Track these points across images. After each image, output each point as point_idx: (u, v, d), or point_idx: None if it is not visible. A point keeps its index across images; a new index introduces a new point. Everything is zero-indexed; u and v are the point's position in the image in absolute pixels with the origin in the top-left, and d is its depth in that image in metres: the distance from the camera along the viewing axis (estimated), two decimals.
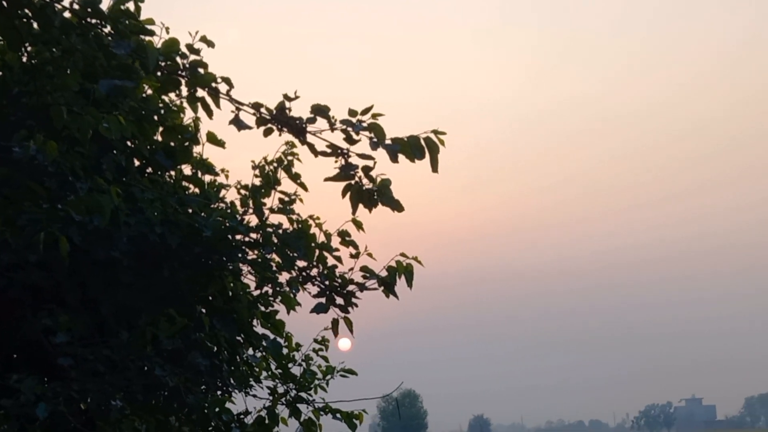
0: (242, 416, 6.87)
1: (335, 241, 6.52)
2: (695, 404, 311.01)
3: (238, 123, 4.89)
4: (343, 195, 5.04)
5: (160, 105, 6.53)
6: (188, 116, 6.73)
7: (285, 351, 7.11)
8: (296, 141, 5.02)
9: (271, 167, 6.67)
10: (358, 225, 6.46)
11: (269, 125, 4.92)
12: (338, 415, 7.04)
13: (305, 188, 6.67)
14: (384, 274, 6.42)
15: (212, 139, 6.71)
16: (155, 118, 6.44)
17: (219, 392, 6.83)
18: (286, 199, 6.63)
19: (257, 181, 6.70)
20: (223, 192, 6.85)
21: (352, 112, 4.92)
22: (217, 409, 6.36)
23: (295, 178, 6.66)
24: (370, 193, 4.99)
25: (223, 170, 6.94)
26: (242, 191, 6.74)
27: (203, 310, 6.48)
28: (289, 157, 6.66)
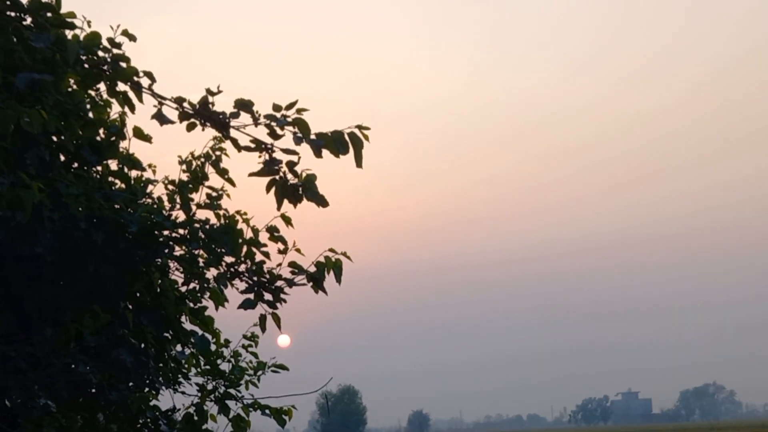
0: (170, 413, 6.83)
1: (263, 237, 6.50)
2: (631, 398, 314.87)
3: (160, 118, 4.86)
4: (268, 190, 5.03)
5: (87, 99, 6.45)
6: (115, 111, 6.66)
7: (213, 347, 7.07)
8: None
9: (199, 162, 6.63)
10: (287, 220, 6.44)
11: (192, 120, 4.89)
12: (267, 411, 7.02)
13: (233, 183, 6.64)
14: (313, 269, 6.42)
15: (139, 134, 6.64)
16: (81, 113, 6.37)
17: (146, 389, 6.77)
18: (214, 194, 6.58)
19: (185, 177, 6.65)
20: (150, 187, 6.78)
21: (277, 107, 4.92)
22: (141, 407, 6.31)
23: (222, 173, 6.62)
24: (294, 189, 4.98)
25: (150, 166, 6.88)
26: (170, 187, 6.69)
27: (129, 306, 6.43)
28: (217, 153, 6.62)
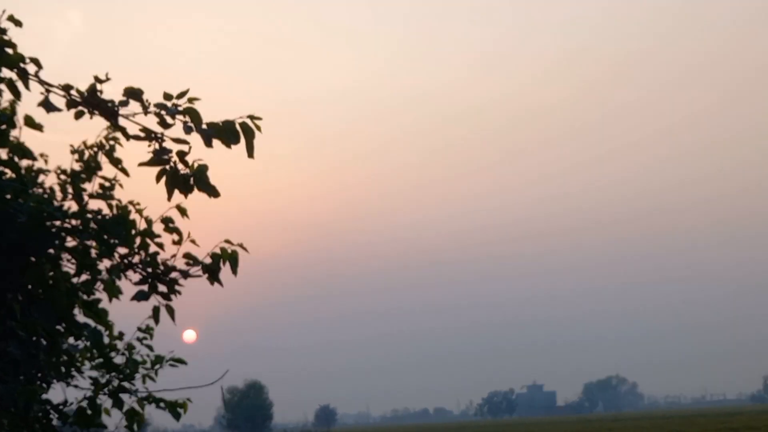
0: (62, 407, 6.72)
1: (158, 228, 6.43)
2: (536, 390, 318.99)
3: (47, 105, 4.77)
4: (158, 180, 4.98)
5: None
6: (6, 99, 6.52)
7: (107, 340, 6.97)
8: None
9: (92, 152, 6.53)
10: (182, 211, 6.38)
11: (80, 108, 4.81)
12: (162, 405, 6.95)
13: (126, 173, 6.55)
14: (208, 261, 6.37)
15: (30, 122, 6.51)
16: None
17: (38, 382, 6.65)
18: (107, 184, 6.49)
19: (77, 166, 6.54)
20: (41, 177, 6.65)
21: (167, 96, 4.86)
22: (30, 400, 6.19)
23: (116, 163, 6.52)
24: (185, 178, 4.93)
25: (42, 155, 6.75)
26: (62, 177, 6.57)
27: (19, 298, 6.30)
28: (111, 142, 6.52)
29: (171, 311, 6.46)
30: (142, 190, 6.59)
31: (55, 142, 7.03)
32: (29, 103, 5.63)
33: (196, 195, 5.75)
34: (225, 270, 6.43)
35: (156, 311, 6.47)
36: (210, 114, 5.28)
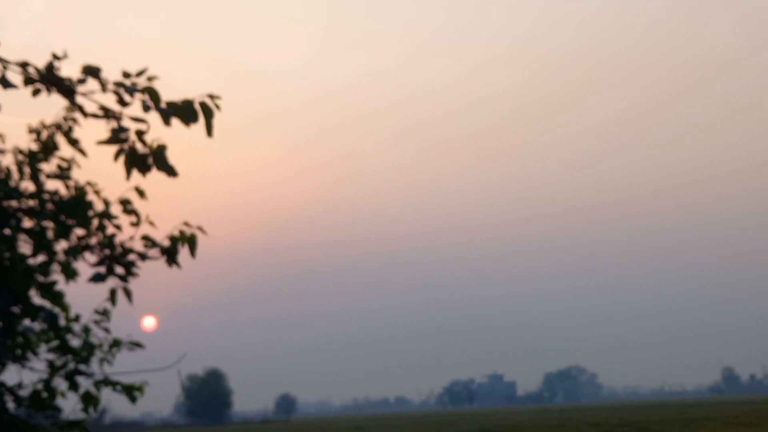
0: (16, 389, 6.65)
1: (116, 209, 6.38)
2: (497, 380, 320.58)
3: (3, 82, 4.71)
4: (115, 159, 4.93)
5: None
6: None
7: (63, 322, 6.90)
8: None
9: (49, 131, 6.46)
10: (141, 193, 6.33)
11: (37, 85, 4.75)
12: (118, 388, 6.90)
13: (84, 154, 6.48)
14: (166, 243, 6.33)
15: None
16: None
17: None
18: (65, 165, 6.43)
19: (35, 146, 6.47)
20: None
21: (126, 74, 4.80)
22: None
23: (73, 143, 6.46)
24: (143, 158, 4.89)
25: None
26: (19, 156, 6.50)
27: None
28: (69, 122, 6.45)
29: (128, 293, 6.42)
30: (100, 171, 6.53)
31: (12, 122, 6.94)
32: None
33: (156, 177, 5.71)
34: (185, 253, 6.40)
35: (113, 293, 6.42)
36: (170, 93, 5.24)
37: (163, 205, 7.11)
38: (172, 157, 5.03)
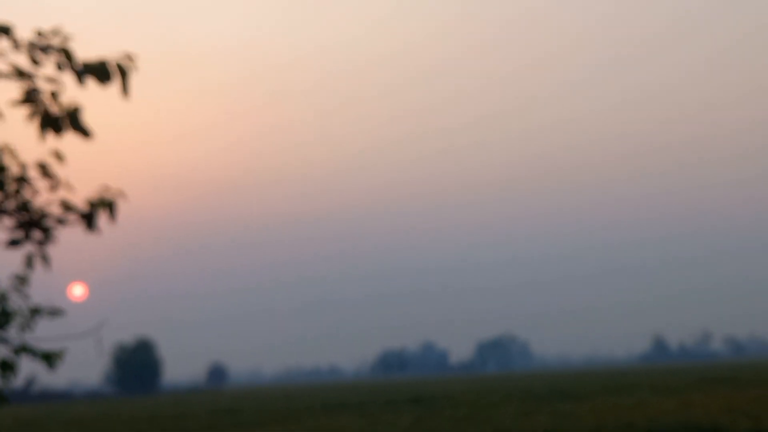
0: None
1: (33, 173, 6.24)
2: (429, 349, 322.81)
3: None
4: (29, 119, 4.81)
5: None
6: None
7: None
8: None
9: None
10: (59, 157, 6.21)
11: None
12: (37, 355, 6.79)
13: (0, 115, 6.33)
14: (85, 208, 6.22)
15: None
16: None
17: None
18: None
19: None
20: None
21: (40, 33, 4.68)
22: None
23: None
24: (57, 119, 4.78)
25: None
26: None
27: None
28: None
29: (46, 259, 6.30)
30: (15, 134, 6.38)
31: None
32: None
33: (77, 143, 5.59)
34: (119, 218, 6.30)
35: (29, 258, 6.31)
36: (90, 54, 5.13)
37: (85, 171, 6.98)
38: (99, 122, 4.92)
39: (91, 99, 5.38)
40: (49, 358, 6.76)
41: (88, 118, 5.11)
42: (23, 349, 6.81)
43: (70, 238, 6.72)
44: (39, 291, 7.15)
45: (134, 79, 4.82)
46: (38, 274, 7.16)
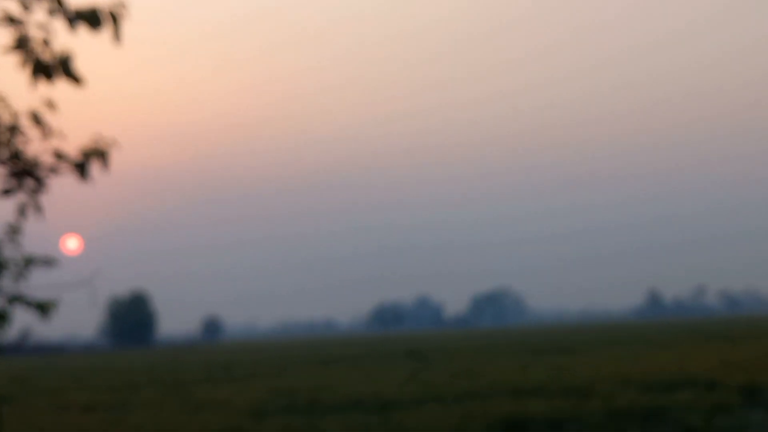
0: None
1: (25, 121, 6.18)
2: (424, 302, 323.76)
3: None
4: (20, 66, 4.74)
5: None
6: None
7: None
8: None
9: None
10: (52, 105, 6.14)
11: None
12: (30, 304, 6.76)
13: None
14: (78, 156, 6.16)
15: None
16: None
17: None
18: None
19: None
20: None
21: None
22: None
23: None
24: (48, 66, 4.71)
25: None
26: None
27: None
28: None
29: (39, 208, 6.26)
30: (7, 83, 6.32)
31: None
32: None
33: (71, 94, 5.53)
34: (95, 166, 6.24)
35: (22, 208, 6.26)
36: (81, 1, 5.06)
37: (78, 120, 6.92)
38: (92, 71, 4.86)
39: (83, 46, 5.32)
40: (43, 308, 6.73)
41: (79, 66, 5.04)
42: (16, 298, 6.79)
43: (64, 191, 6.67)
44: (33, 244, 7.11)
45: (126, 26, 4.75)
46: (33, 227, 7.12)
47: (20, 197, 6.26)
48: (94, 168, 6.19)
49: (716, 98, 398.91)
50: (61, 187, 6.54)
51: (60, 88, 5.07)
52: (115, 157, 6.34)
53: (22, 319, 7.00)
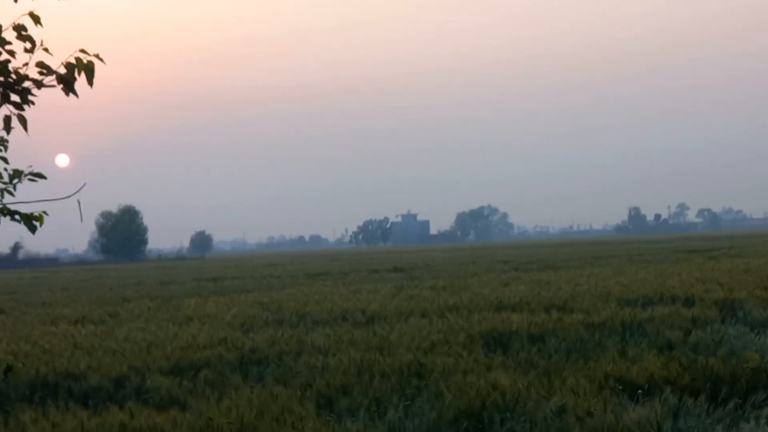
0: None
1: (10, 35, 6.23)
2: (411, 219, 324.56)
3: None
4: None
5: None
6: None
7: None
8: None
9: None
10: (36, 19, 6.20)
11: None
12: (17, 217, 6.86)
13: None
14: (63, 70, 6.23)
15: None
16: None
17: None
18: None
19: None
20: None
21: None
22: None
23: None
24: None
25: None
26: None
27: None
28: None
29: (23, 121, 6.33)
30: None
31: None
32: None
33: (56, 8, 5.58)
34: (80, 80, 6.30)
35: (7, 120, 6.34)
36: None
37: (63, 35, 6.97)
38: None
39: None
40: (30, 221, 6.83)
41: None
42: (5, 211, 6.88)
43: (53, 110, 6.74)
44: (24, 160, 7.19)
45: None
46: (22, 144, 7.21)
47: (5, 111, 6.33)
48: (80, 83, 6.26)
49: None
50: (51, 106, 6.63)
51: (45, 1, 5.12)
52: (103, 74, 6.42)
53: (13, 233, 7.12)
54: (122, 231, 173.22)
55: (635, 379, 11.38)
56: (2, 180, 7.11)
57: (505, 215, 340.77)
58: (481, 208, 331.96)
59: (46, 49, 6.20)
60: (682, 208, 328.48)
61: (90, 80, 6.26)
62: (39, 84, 6.23)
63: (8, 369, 9.97)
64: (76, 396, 13.04)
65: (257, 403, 10.79)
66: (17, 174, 7.18)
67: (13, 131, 6.55)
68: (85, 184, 7.03)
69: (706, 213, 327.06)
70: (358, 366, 13.22)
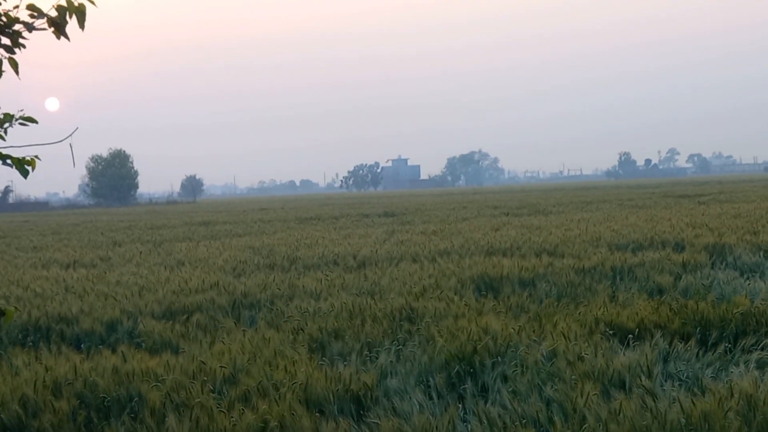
0: None
1: None
2: (401, 164, 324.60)
3: None
4: None
5: None
6: None
7: None
8: None
9: None
10: None
11: None
12: (9, 162, 6.82)
13: None
14: (54, 13, 6.17)
15: None
16: None
17: None
18: None
19: None
20: None
21: None
22: None
23: None
24: None
25: None
26: None
27: None
28: None
29: (14, 64, 6.28)
30: None
31: None
32: None
33: None
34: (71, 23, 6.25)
35: None
36: None
37: None
38: None
39: None
40: (22, 165, 6.80)
41: None
42: None
43: (44, 53, 6.69)
44: (11, 104, 7.14)
45: None
46: (12, 88, 7.15)
47: None
48: (71, 26, 6.21)
49: None
50: (42, 51, 6.57)
51: None
52: (94, 18, 6.36)
53: (2, 176, 7.09)
54: (112, 175, 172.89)
55: (626, 324, 11.45)
56: None
57: (495, 160, 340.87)
58: (472, 153, 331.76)
59: None
60: (673, 153, 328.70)
61: (81, 23, 6.20)
62: (30, 27, 6.18)
63: (1, 313, 9.98)
64: (69, 340, 13.10)
65: (249, 347, 10.85)
66: (8, 118, 7.14)
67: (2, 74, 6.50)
68: (77, 128, 7.00)
69: (696, 158, 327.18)
70: (349, 310, 13.28)
